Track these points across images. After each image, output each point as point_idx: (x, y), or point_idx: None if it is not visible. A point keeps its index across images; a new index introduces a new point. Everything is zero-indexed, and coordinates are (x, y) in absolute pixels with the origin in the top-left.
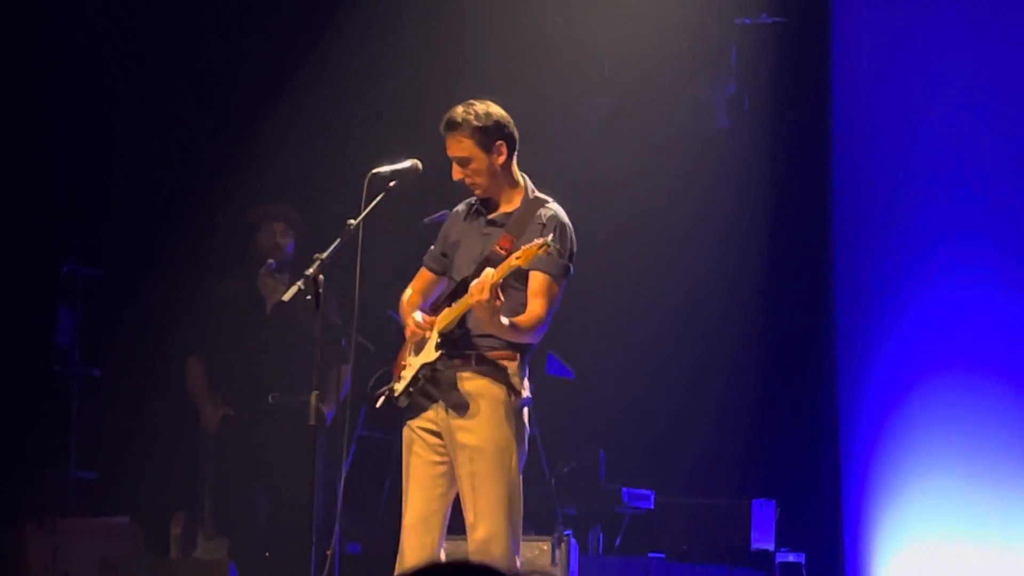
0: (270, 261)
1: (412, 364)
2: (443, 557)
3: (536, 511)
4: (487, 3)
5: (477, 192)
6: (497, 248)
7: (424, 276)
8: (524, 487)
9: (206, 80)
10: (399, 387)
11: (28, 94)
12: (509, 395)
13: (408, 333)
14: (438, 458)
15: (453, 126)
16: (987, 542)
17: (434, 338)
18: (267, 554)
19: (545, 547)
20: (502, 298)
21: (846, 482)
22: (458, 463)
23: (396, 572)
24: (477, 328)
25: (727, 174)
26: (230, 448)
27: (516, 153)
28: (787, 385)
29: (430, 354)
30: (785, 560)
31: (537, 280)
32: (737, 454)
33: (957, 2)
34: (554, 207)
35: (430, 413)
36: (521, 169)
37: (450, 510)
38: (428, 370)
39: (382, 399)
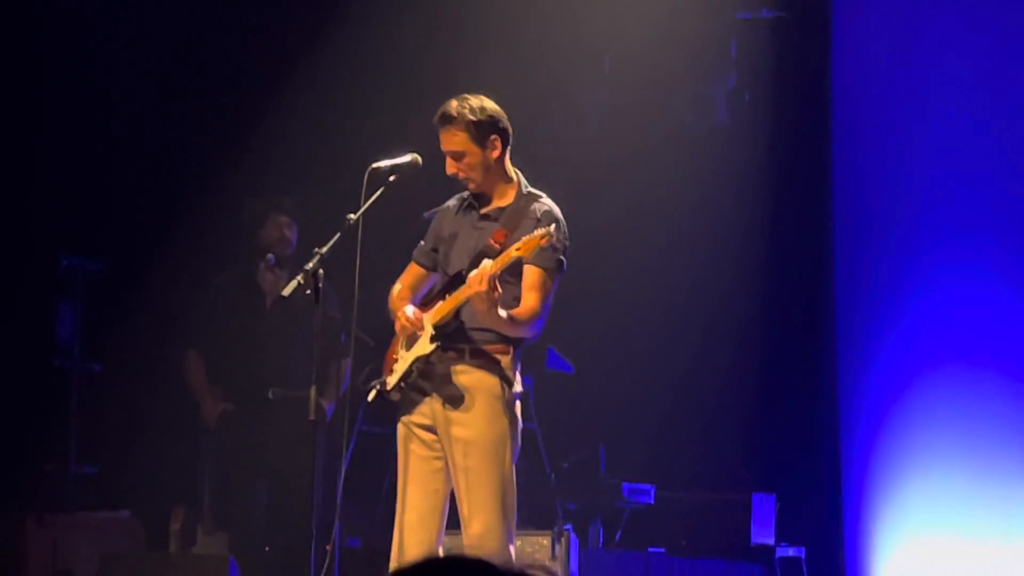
0: (270, 256)
1: (405, 357)
2: (441, 552)
3: (536, 506)
4: None
5: (470, 186)
6: (491, 242)
7: (413, 271)
8: (524, 482)
9: (206, 75)
10: (391, 380)
11: (28, 89)
12: (503, 389)
13: (398, 328)
14: (434, 454)
15: (447, 120)
16: (987, 536)
17: (428, 331)
18: (267, 548)
19: (545, 542)
20: (500, 289)
21: (846, 477)
22: (452, 456)
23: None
24: (472, 321)
25: (727, 168)
26: (230, 443)
27: (509, 148)
28: (787, 380)
29: (424, 347)
30: (785, 555)
31: (532, 274)
32: (737, 449)
33: None
34: (548, 202)
35: (424, 408)
36: (522, 163)
37: (448, 505)
38: (422, 363)
39: (373, 393)
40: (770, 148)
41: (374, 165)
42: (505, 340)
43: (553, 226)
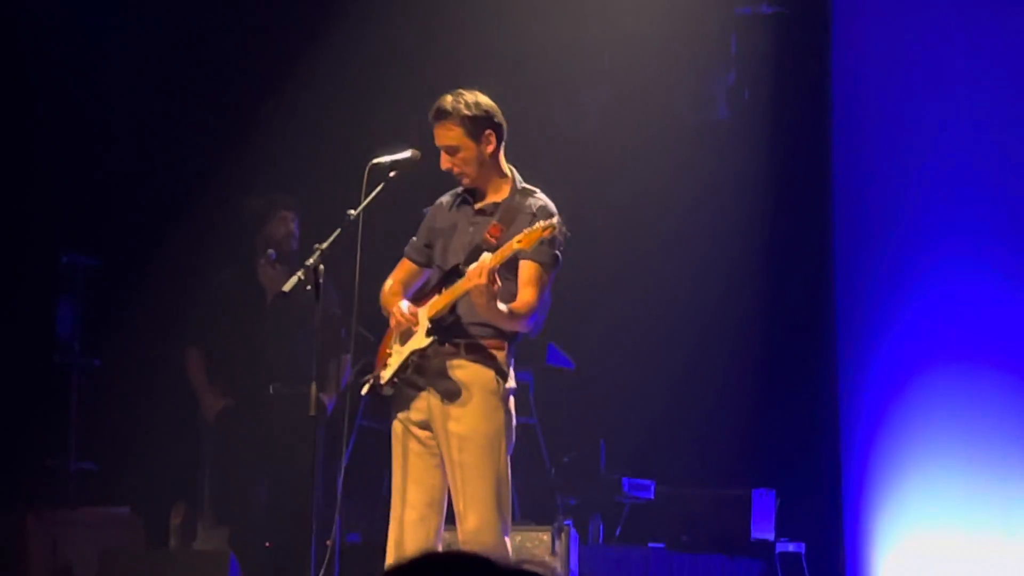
0: (270, 251)
1: (400, 351)
2: (440, 547)
3: (536, 501)
4: None
5: (465, 181)
6: (487, 237)
7: (406, 267)
8: (525, 477)
9: (206, 72)
10: (386, 374)
11: (27, 84)
12: (499, 384)
13: (393, 323)
14: (430, 451)
15: (442, 115)
16: (987, 533)
17: (424, 324)
18: (267, 544)
19: (545, 537)
20: (499, 282)
21: (846, 472)
22: (446, 451)
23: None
24: (468, 316)
25: (726, 165)
26: (230, 439)
27: (504, 143)
28: (787, 376)
29: (421, 340)
30: (785, 550)
31: (528, 269)
32: (737, 444)
33: None
34: (542, 197)
35: (419, 403)
36: (522, 158)
37: (446, 500)
38: (417, 356)
39: (367, 387)
40: (770, 144)
41: (374, 161)
42: (501, 335)
43: (556, 218)
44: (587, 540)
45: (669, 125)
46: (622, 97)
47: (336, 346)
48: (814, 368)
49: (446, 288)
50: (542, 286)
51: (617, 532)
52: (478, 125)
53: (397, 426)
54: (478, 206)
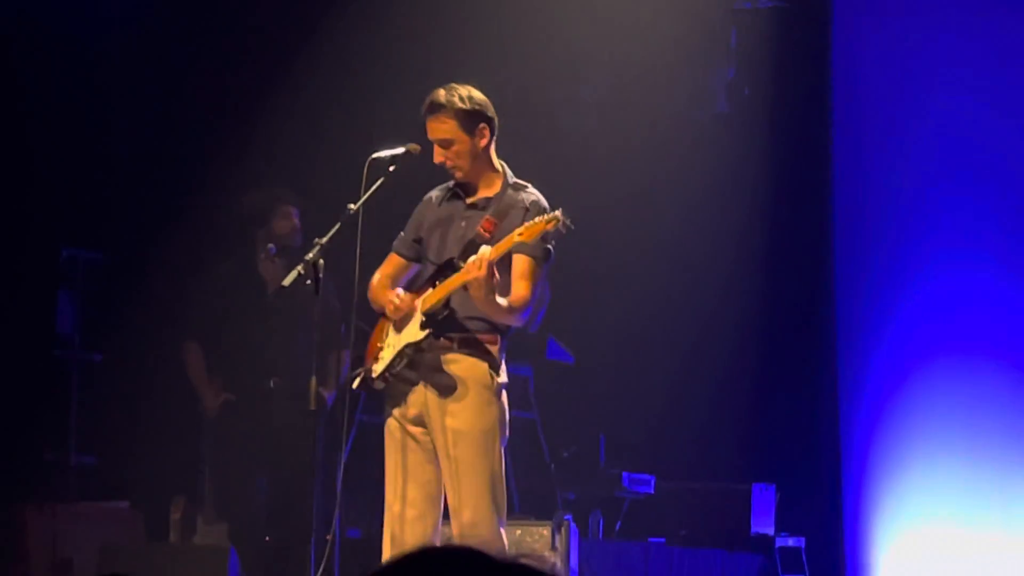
0: (270, 245)
1: (393, 344)
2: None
3: (536, 496)
4: None
5: (457, 175)
6: (480, 231)
7: (394, 261)
8: (524, 472)
9: (206, 67)
10: (378, 367)
11: (27, 79)
12: (492, 378)
13: (391, 311)
14: (425, 447)
15: (436, 108)
16: (986, 526)
17: (418, 318)
18: (267, 539)
19: (545, 532)
20: (498, 275)
21: (846, 467)
22: (441, 446)
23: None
24: (463, 309)
25: (726, 159)
26: (230, 433)
27: (495, 138)
28: (787, 370)
29: (416, 333)
30: (785, 544)
31: (522, 263)
32: (737, 439)
33: None
34: (535, 192)
35: (413, 397)
36: (522, 153)
37: (442, 495)
38: (412, 349)
39: (358, 380)
40: (770, 139)
41: (374, 155)
42: (494, 329)
43: (559, 211)
44: (587, 535)
45: (669, 120)
46: (621, 92)
47: (336, 340)
48: (814, 362)
49: (440, 282)
50: (536, 280)
51: (617, 527)
52: (472, 119)
53: (391, 422)
54: (470, 200)
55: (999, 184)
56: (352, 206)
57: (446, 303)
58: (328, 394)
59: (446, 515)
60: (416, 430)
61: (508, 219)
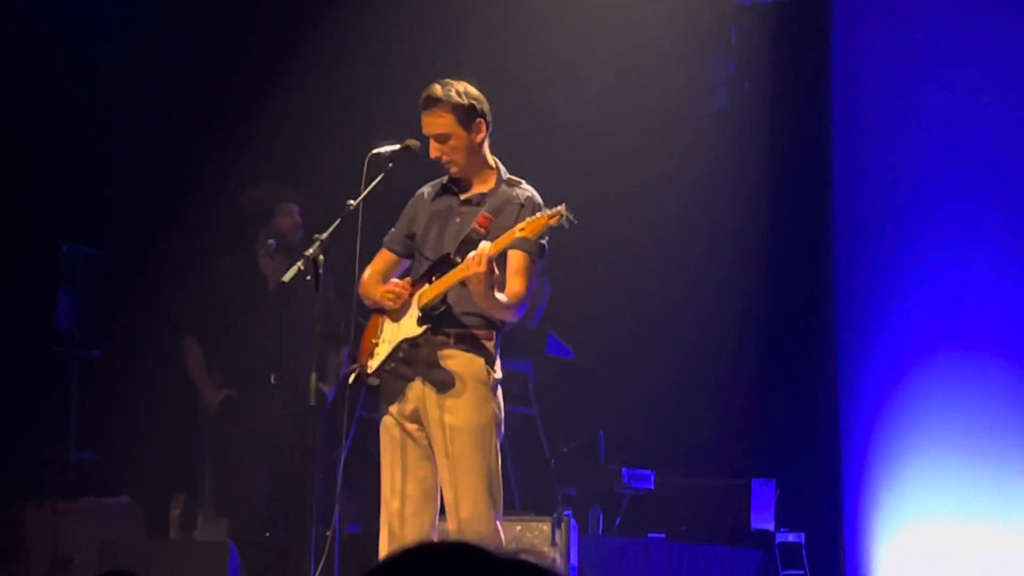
0: (270, 241)
1: (388, 340)
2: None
3: (536, 491)
4: None
5: (453, 170)
6: (476, 226)
7: (385, 257)
8: (524, 468)
9: (205, 62)
10: (374, 363)
11: (27, 75)
12: (489, 374)
13: (391, 298)
14: (419, 443)
15: (433, 102)
16: (986, 522)
17: (415, 313)
18: (267, 534)
19: (545, 527)
20: (497, 271)
21: (846, 462)
22: (438, 441)
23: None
24: (459, 305)
25: (726, 155)
26: (230, 429)
27: (490, 135)
28: (787, 365)
29: (413, 328)
30: (785, 540)
31: (518, 259)
32: (737, 434)
33: None
34: (529, 188)
35: (409, 393)
36: (521, 149)
37: (438, 490)
38: (408, 345)
39: (352, 376)
40: (770, 134)
41: (374, 151)
42: (490, 325)
43: (563, 206)
44: (587, 530)
45: (669, 115)
46: (622, 87)
47: (336, 336)
48: (814, 358)
49: (437, 277)
50: (531, 276)
51: (617, 522)
52: (468, 114)
53: (387, 419)
54: (464, 196)
55: (999, 180)
56: (352, 202)
57: (443, 299)
58: (328, 390)
59: (442, 511)
60: (412, 426)
61: (503, 215)
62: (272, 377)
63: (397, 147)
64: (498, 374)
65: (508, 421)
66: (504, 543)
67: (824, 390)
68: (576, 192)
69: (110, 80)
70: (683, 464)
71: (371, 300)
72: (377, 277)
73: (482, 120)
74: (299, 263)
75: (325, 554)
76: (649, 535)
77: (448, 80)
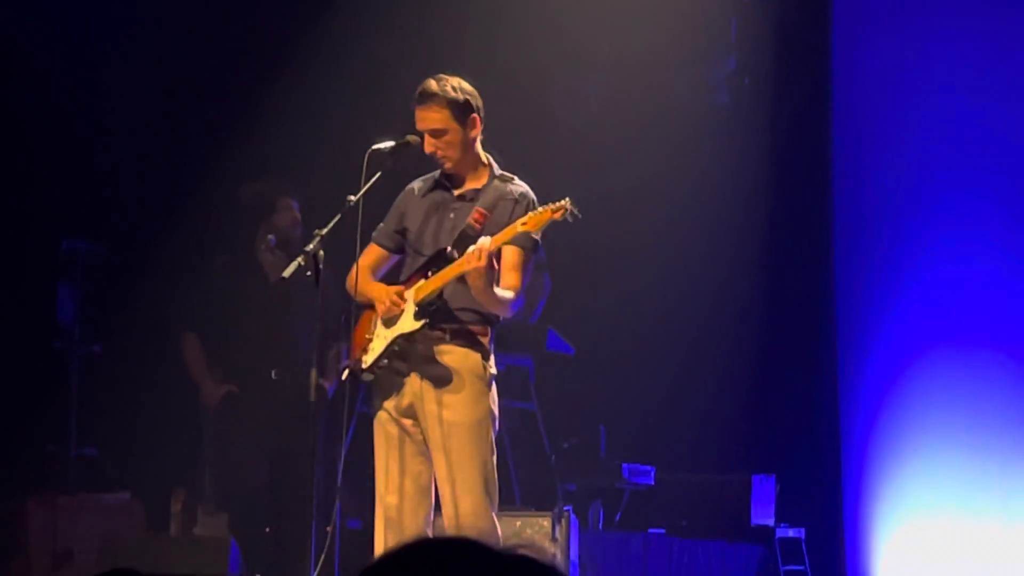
0: (270, 236)
1: (383, 335)
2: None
3: (536, 487)
4: None
5: (447, 165)
6: (471, 222)
7: (374, 252)
8: (524, 463)
9: (205, 58)
10: (368, 359)
11: (28, 70)
12: (485, 368)
13: (381, 308)
14: (414, 439)
15: (428, 97)
16: (986, 517)
17: (411, 308)
18: (267, 530)
19: (545, 523)
20: (496, 266)
21: (846, 457)
22: (434, 437)
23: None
24: (455, 300)
25: (727, 149)
26: (230, 424)
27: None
28: (787, 361)
29: (409, 324)
30: (785, 535)
31: (513, 254)
32: (737, 430)
33: None
34: (522, 184)
35: (404, 389)
36: (522, 145)
37: (433, 485)
38: (403, 340)
39: (346, 372)
40: (770, 130)
41: (374, 147)
42: (485, 320)
43: (567, 200)
44: (587, 526)
45: (669, 111)
46: (622, 83)
47: (335, 332)
48: (814, 353)
49: (433, 272)
50: (525, 270)
51: (617, 518)
52: (463, 109)
53: (382, 415)
54: (458, 192)
55: (998, 177)
56: (352, 198)
57: (439, 294)
58: (328, 386)
59: (436, 507)
60: (407, 422)
61: (498, 210)
62: (272, 373)
63: (397, 143)
64: (493, 369)
65: (509, 416)
66: (501, 537)
67: (824, 386)
68: (576, 188)
69: (110, 77)
70: (683, 460)
71: (362, 296)
72: (367, 273)
73: (476, 116)
74: (299, 259)
75: (325, 549)
76: (649, 531)
77: (443, 75)
